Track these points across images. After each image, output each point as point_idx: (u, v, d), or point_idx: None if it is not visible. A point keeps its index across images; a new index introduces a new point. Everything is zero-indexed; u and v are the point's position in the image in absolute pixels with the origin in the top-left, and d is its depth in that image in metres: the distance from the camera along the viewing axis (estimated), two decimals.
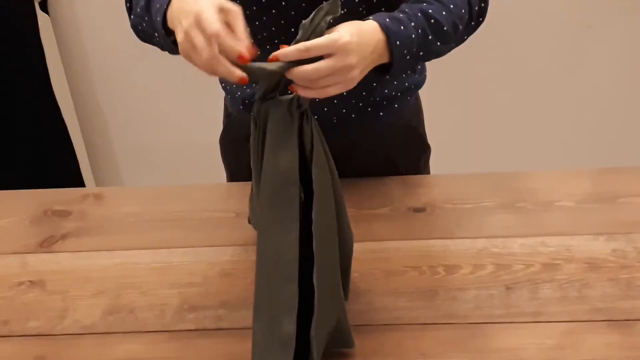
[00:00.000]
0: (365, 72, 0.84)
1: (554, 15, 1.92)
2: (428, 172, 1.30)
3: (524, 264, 1.00)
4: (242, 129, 1.03)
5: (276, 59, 0.76)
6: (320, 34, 0.77)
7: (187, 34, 0.77)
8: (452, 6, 0.94)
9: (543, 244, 1.03)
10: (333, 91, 0.79)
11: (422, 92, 1.23)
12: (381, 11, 0.91)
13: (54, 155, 1.99)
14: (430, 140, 1.27)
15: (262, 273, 0.81)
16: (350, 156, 1.14)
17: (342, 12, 0.79)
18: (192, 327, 0.94)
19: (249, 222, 1.05)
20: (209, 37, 0.75)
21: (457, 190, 1.15)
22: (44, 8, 1.90)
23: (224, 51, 0.76)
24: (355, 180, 1.16)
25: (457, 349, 0.88)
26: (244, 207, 1.06)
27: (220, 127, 1.27)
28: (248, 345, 0.82)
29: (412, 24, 0.89)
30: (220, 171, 1.33)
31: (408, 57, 0.89)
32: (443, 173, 1.23)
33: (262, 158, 0.80)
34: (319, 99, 0.80)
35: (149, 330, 0.94)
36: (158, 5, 0.88)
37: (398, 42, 0.86)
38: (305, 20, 0.77)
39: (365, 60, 0.82)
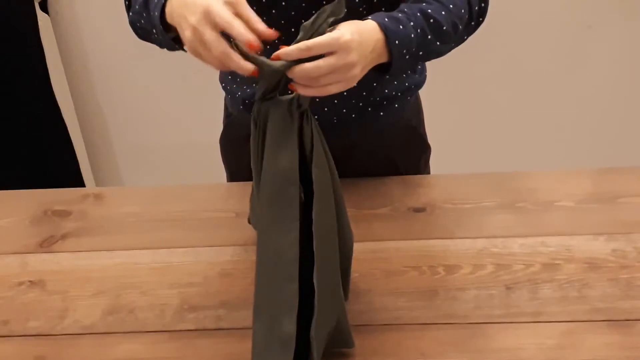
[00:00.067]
0: (366, 71, 0.84)
1: (554, 15, 1.92)
2: (428, 172, 1.30)
3: (524, 264, 1.00)
4: (242, 129, 1.03)
5: (278, 59, 0.76)
6: (322, 34, 0.77)
7: (195, 29, 0.77)
8: (451, 6, 0.94)
9: (543, 244, 1.03)
10: (333, 89, 0.79)
11: (422, 92, 1.23)
12: (381, 11, 0.91)
13: (54, 155, 1.99)
14: (430, 140, 1.27)
15: (262, 273, 0.81)
16: (350, 156, 1.14)
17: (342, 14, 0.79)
18: (192, 327, 0.94)
19: (249, 222, 1.05)
20: (222, 27, 0.75)
21: (457, 190, 1.15)
22: (44, 8, 1.90)
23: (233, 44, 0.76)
24: (355, 180, 1.16)
25: (457, 349, 0.88)
26: (244, 207, 1.06)
27: (220, 127, 1.27)
28: (248, 345, 0.82)
29: (411, 23, 0.89)
30: (220, 171, 1.33)
31: (407, 57, 0.89)
32: (443, 173, 1.23)
33: (262, 158, 0.80)
34: (318, 99, 0.80)
35: (149, 330, 0.94)
36: (156, 1, 0.88)
37: (397, 42, 0.86)
38: (307, 22, 0.77)
39: (366, 59, 0.82)
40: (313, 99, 0.80)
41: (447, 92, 1.91)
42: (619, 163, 1.37)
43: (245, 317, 0.94)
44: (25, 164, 1.92)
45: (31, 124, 1.91)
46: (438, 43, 0.94)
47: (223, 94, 1.22)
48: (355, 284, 0.97)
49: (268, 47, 0.79)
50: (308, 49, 0.75)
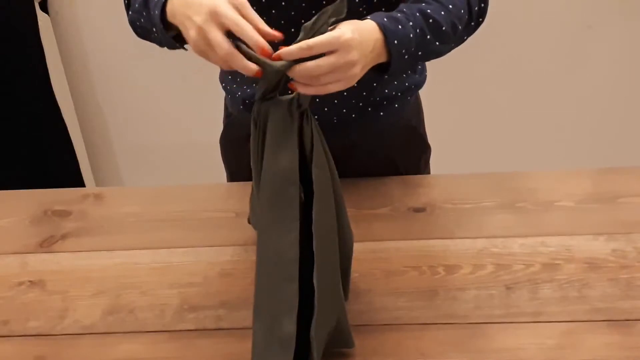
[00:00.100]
0: (366, 70, 0.84)
1: (554, 15, 1.92)
2: (428, 172, 1.30)
3: (524, 264, 1.00)
4: (243, 129, 1.03)
5: (279, 58, 0.76)
6: (323, 34, 0.77)
7: (200, 29, 0.77)
8: (451, 6, 0.94)
9: (543, 244, 1.03)
10: (334, 88, 0.79)
11: (422, 92, 1.23)
12: (381, 11, 0.91)
13: (54, 155, 1.99)
14: (430, 140, 1.27)
15: (262, 273, 0.81)
16: (350, 156, 1.14)
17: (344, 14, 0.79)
18: (192, 327, 0.94)
19: (249, 222, 1.05)
20: (231, 29, 0.75)
21: (457, 190, 1.15)
22: (44, 8, 1.90)
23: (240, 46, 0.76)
24: (355, 180, 1.16)
25: (457, 349, 0.88)
26: (244, 207, 1.06)
27: (220, 127, 1.27)
28: (248, 345, 0.82)
29: (410, 23, 0.89)
30: (220, 171, 1.33)
31: (406, 57, 0.89)
32: (443, 173, 1.23)
33: (262, 158, 0.80)
34: (318, 98, 0.80)
35: (149, 330, 0.94)
36: (156, 0, 0.88)
37: (396, 42, 0.86)
38: (307, 23, 0.77)
39: (366, 58, 0.82)
40: (313, 98, 0.80)
41: (447, 92, 1.91)
42: (619, 163, 1.37)
43: (245, 317, 0.94)
44: (25, 164, 1.92)
45: (31, 124, 1.91)
46: (437, 43, 0.94)
47: (223, 94, 1.22)
48: (355, 284, 0.97)
49: None
50: (309, 48, 0.75)
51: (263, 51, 0.75)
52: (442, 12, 0.93)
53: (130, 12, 0.98)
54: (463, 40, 1.01)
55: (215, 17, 0.76)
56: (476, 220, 1.09)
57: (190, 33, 0.79)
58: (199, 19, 0.77)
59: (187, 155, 2.18)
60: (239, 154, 1.18)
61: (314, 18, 0.77)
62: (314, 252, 0.79)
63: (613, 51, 1.97)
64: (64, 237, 1.12)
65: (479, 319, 0.92)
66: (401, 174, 1.21)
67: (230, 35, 0.77)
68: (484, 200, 1.13)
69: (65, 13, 1.96)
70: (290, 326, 0.78)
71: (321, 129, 0.82)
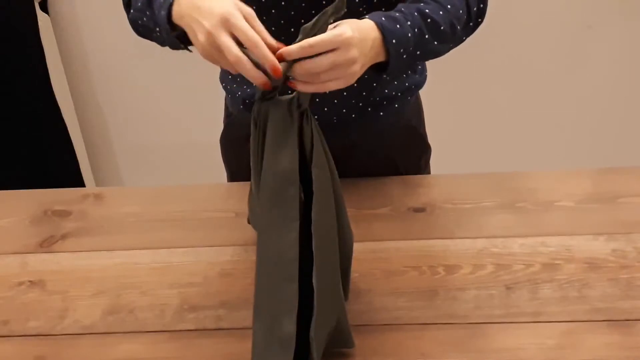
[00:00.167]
0: (365, 68, 0.84)
1: (554, 15, 1.92)
2: (428, 172, 1.30)
3: (524, 264, 1.00)
4: (243, 128, 1.03)
5: (281, 58, 0.76)
6: (323, 33, 0.77)
7: (210, 34, 0.77)
8: (449, 6, 0.94)
9: (543, 244, 1.03)
10: (333, 86, 0.79)
11: (423, 92, 1.23)
12: (381, 11, 0.91)
13: (54, 155, 1.99)
14: (430, 140, 1.27)
15: (262, 273, 0.81)
16: (350, 156, 1.14)
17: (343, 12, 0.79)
18: (192, 327, 0.94)
19: (249, 223, 1.05)
20: (240, 39, 0.75)
21: (457, 190, 1.15)
22: (44, 8, 1.90)
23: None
24: (355, 180, 1.16)
25: (457, 349, 0.88)
26: (244, 207, 1.06)
27: (220, 127, 1.27)
28: (248, 345, 0.82)
29: (409, 22, 0.89)
30: (220, 171, 1.33)
31: (405, 56, 0.89)
32: (443, 173, 1.23)
33: (262, 158, 0.80)
34: (318, 98, 0.80)
35: (149, 330, 0.94)
36: (162, 0, 0.88)
37: (394, 41, 0.86)
38: (307, 25, 0.77)
39: (365, 57, 0.82)
40: (313, 98, 0.80)
41: (447, 92, 1.91)
42: (619, 163, 1.37)
43: (245, 317, 0.94)
44: (25, 164, 1.92)
45: (31, 124, 1.91)
46: (436, 43, 0.94)
47: (223, 93, 1.23)
48: (355, 284, 0.97)
49: None
50: (310, 46, 0.75)
51: (274, 70, 0.75)
52: (441, 12, 0.93)
53: (132, 11, 0.98)
54: (462, 41, 1.01)
55: (225, 23, 0.76)
56: (476, 220, 1.09)
57: (198, 37, 0.79)
58: (208, 23, 0.77)
59: (187, 155, 2.18)
60: (239, 154, 1.18)
61: (313, 20, 0.77)
62: (314, 252, 0.79)
63: (613, 51, 1.97)
64: (64, 237, 1.12)
65: (479, 319, 0.92)
66: (401, 174, 1.21)
67: (236, 42, 0.77)
68: (484, 200, 1.13)
69: (65, 13, 1.96)
70: (290, 326, 0.78)
71: (321, 129, 0.82)
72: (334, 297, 0.84)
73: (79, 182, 2.08)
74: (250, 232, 1.05)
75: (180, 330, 0.93)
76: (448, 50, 0.99)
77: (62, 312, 0.97)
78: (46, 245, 1.10)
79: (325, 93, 0.82)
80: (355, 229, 0.91)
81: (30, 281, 1.03)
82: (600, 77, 2.02)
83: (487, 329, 0.91)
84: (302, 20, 0.94)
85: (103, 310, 0.97)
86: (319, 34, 0.77)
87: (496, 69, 2.00)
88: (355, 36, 0.79)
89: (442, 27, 0.93)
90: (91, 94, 2.11)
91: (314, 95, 0.80)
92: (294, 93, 0.79)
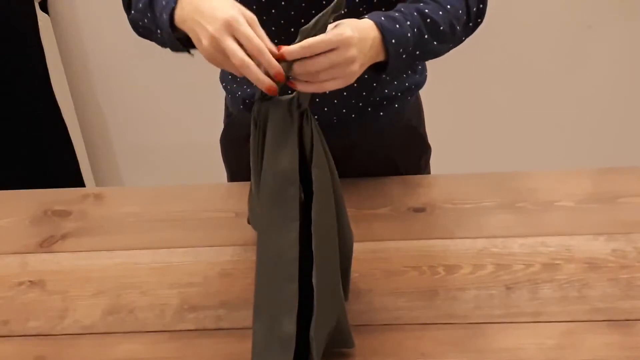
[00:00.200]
0: (364, 68, 0.84)
1: (554, 15, 1.92)
2: (428, 172, 1.30)
3: (524, 264, 1.00)
4: (243, 128, 1.03)
5: (282, 57, 0.76)
6: (323, 32, 0.77)
7: (214, 39, 0.77)
8: (449, 6, 0.94)
9: (543, 244, 1.03)
10: (333, 85, 0.80)
11: (423, 92, 1.23)
12: (381, 11, 0.91)
13: (54, 155, 1.99)
14: (430, 140, 1.27)
15: (262, 273, 0.81)
16: (350, 156, 1.14)
17: (343, 11, 0.79)
18: (192, 327, 0.94)
19: (249, 223, 1.05)
20: (243, 44, 0.76)
21: (457, 190, 1.15)
22: (44, 8, 1.90)
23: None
24: (355, 180, 1.16)
25: (457, 349, 0.88)
26: (244, 207, 1.06)
27: (220, 127, 1.27)
28: (248, 345, 0.82)
29: (408, 22, 0.89)
30: (220, 171, 1.33)
31: (404, 56, 0.89)
32: (443, 173, 1.23)
33: (262, 158, 0.80)
34: (318, 98, 0.80)
35: (149, 330, 0.94)
36: (164, 3, 0.87)
37: (393, 41, 0.87)
38: (306, 26, 0.77)
39: (365, 56, 0.82)
40: (313, 98, 0.80)
41: (447, 92, 1.91)
42: (619, 163, 1.37)
43: (245, 317, 0.94)
44: (25, 164, 1.92)
45: (31, 124, 1.91)
46: (435, 43, 0.94)
47: (223, 93, 1.23)
48: (355, 284, 0.97)
49: None
50: (310, 46, 0.76)
51: (278, 75, 0.75)
52: (440, 12, 0.93)
53: (132, 12, 0.98)
54: (461, 41, 1.01)
55: (229, 28, 0.76)
56: (476, 220, 1.09)
57: (202, 41, 0.79)
58: (211, 27, 0.77)
59: (187, 155, 2.18)
60: (239, 154, 1.18)
61: (313, 20, 0.77)
62: (314, 252, 0.79)
63: (613, 51, 1.97)
64: (64, 237, 1.12)
65: (479, 319, 0.92)
66: (401, 174, 1.21)
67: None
68: (484, 200, 1.13)
69: (65, 13, 1.96)
70: (290, 326, 0.78)
71: (321, 129, 0.82)
72: (334, 297, 0.84)
73: (79, 182, 2.08)
74: (250, 232, 1.05)
75: (180, 330, 0.93)
76: (448, 51, 0.99)
77: (62, 312, 0.97)
78: (46, 245, 1.10)
79: (325, 93, 0.82)
80: (355, 229, 0.91)
81: (30, 281, 1.03)
82: (600, 77, 2.02)
83: (487, 329, 0.91)
84: (302, 20, 0.95)
85: (103, 310, 0.97)
86: (319, 34, 0.77)
87: (496, 69, 2.00)
88: (355, 35, 0.79)
89: (441, 27, 0.93)
90: (91, 94, 2.11)
91: (314, 95, 0.80)
92: (294, 93, 0.79)
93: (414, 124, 1.21)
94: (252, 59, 0.76)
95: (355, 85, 1.06)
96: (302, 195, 0.80)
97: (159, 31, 0.91)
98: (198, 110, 1.98)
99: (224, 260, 1.04)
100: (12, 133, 1.87)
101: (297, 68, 0.77)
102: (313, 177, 0.79)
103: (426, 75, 1.20)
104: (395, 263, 1.02)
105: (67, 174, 2.04)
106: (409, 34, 0.89)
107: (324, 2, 0.98)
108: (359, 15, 0.87)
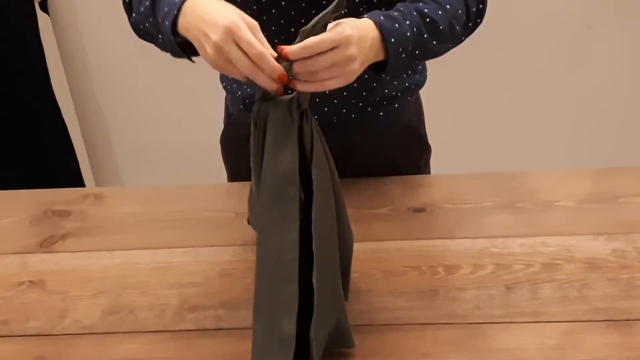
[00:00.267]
0: (364, 67, 0.84)
1: (554, 15, 1.92)
2: (428, 172, 1.30)
3: (524, 264, 1.00)
4: (243, 128, 1.03)
5: (286, 57, 0.76)
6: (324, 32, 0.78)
7: (219, 47, 0.77)
8: (448, 6, 0.95)
9: (543, 244, 1.03)
10: (333, 84, 0.80)
11: (423, 92, 1.23)
12: (380, 10, 0.91)
13: (54, 155, 1.99)
14: (430, 140, 1.27)
15: (262, 273, 0.81)
16: (350, 156, 1.14)
17: (343, 11, 0.79)
18: (192, 327, 0.94)
19: (249, 223, 1.05)
20: (245, 49, 0.76)
21: (457, 190, 1.15)
22: (44, 8, 1.90)
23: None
24: (355, 180, 1.16)
25: (457, 349, 0.88)
26: (244, 207, 1.06)
27: (220, 127, 1.27)
28: (248, 345, 0.82)
29: (407, 22, 0.89)
30: (220, 171, 1.33)
31: (404, 55, 0.89)
32: (443, 173, 1.23)
33: (262, 158, 0.80)
34: (318, 98, 0.80)
35: (149, 330, 0.94)
36: (166, 9, 0.87)
37: (393, 40, 0.87)
38: (306, 27, 0.77)
39: (365, 55, 0.83)
40: (313, 98, 0.80)
41: (447, 92, 1.91)
42: (619, 163, 1.37)
43: (245, 317, 0.94)
44: (25, 164, 1.92)
45: (31, 124, 1.91)
46: (434, 42, 0.94)
47: (223, 93, 1.23)
48: (355, 284, 0.97)
49: None
50: (311, 47, 0.76)
51: (281, 77, 0.76)
52: (440, 12, 0.93)
53: (134, 15, 0.98)
54: (461, 41, 1.01)
55: (231, 34, 0.76)
56: (476, 220, 1.09)
57: (207, 49, 0.80)
58: (214, 36, 0.77)
59: (187, 155, 2.18)
60: (239, 154, 1.18)
61: (313, 20, 0.77)
62: (314, 252, 0.79)
63: (613, 51, 1.97)
64: (64, 237, 1.12)
65: (479, 319, 0.92)
66: (401, 174, 1.21)
67: None
68: (484, 200, 1.13)
69: (65, 13, 1.96)
70: (290, 326, 0.78)
71: (321, 129, 0.82)
72: (334, 297, 0.84)
73: (79, 182, 2.08)
74: (250, 232, 1.05)
75: (180, 330, 0.93)
76: (447, 50, 0.99)
77: (62, 312, 0.97)
78: (46, 245, 1.10)
79: (325, 93, 0.82)
80: (355, 229, 0.91)
81: (30, 281, 1.03)
82: (600, 77, 2.02)
83: (487, 329, 0.91)
84: (303, 20, 0.95)
85: (103, 310, 0.97)
86: (319, 33, 0.77)
87: (496, 69, 2.00)
88: (355, 34, 0.79)
89: (441, 27, 0.93)
90: (91, 94, 2.11)
91: (314, 95, 0.80)
92: (294, 93, 0.79)
93: (414, 124, 1.21)
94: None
95: (355, 85, 1.06)
96: (302, 195, 0.80)
97: (160, 36, 0.90)
98: (198, 110, 1.98)
99: (224, 260, 1.04)
100: (12, 133, 1.87)
101: (298, 68, 0.77)
102: (313, 177, 0.79)
103: (426, 75, 1.20)
104: (395, 263, 1.02)
105: (67, 174, 2.04)
106: (408, 34, 0.89)
107: (324, 2, 0.98)
108: (358, 15, 0.87)
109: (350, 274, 0.93)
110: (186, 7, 0.84)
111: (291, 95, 0.79)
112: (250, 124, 0.81)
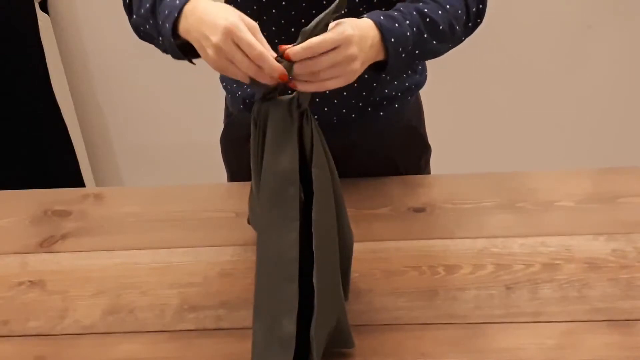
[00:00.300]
0: (365, 66, 0.84)
1: (554, 15, 1.92)
2: (428, 172, 1.30)
3: (524, 264, 1.00)
4: (243, 128, 1.03)
5: (288, 58, 0.76)
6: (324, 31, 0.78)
7: (220, 49, 0.77)
8: (448, 6, 0.95)
9: (543, 244, 1.03)
10: (334, 84, 0.80)
11: (423, 92, 1.23)
12: (380, 10, 0.91)
13: (54, 155, 1.99)
14: (430, 140, 1.27)
15: (262, 273, 0.81)
16: (350, 156, 1.14)
17: (344, 11, 0.79)
18: (192, 327, 0.94)
19: (249, 223, 1.05)
20: (245, 50, 0.76)
21: (457, 190, 1.15)
22: (44, 8, 1.90)
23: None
24: (355, 180, 1.16)
25: (457, 349, 0.88)
26: (244, 207, 1.06)
27: (220, 127, 1.27)
28: (248, 345, 0.82)
29: (407, 22, 0.89)
30: (220, 171, 1.33)
31: (404, 55, 0.89)
32: (443, 173, 1.23)
33: (262, 158, 0.80)
34: (318, 98, 0.80)
35: (149, 330, 0.94)
36: (167, 12, 0.87)
37: (393, 40, 0.87)
38: (307, 27, 0.77)
39: (366, 54, 0.83)
40: (313, 98, 0.80)
41: (447, 92, 1.91)
42: (619, 163, 1.37)
43: (245, 317, 0.94)
44: (25, 164, 1.92)
45: (31, 124, 1.91)
46: (434, 42, 0.94)
47: (223, 93, 1.23)
48: (355, 284, 0.97)
49: None
50: (313, 47, 0.76)
51: (282, 76, 0.76)
52: (440, 12, 0.93)
53: (134, 16, 0.97)
54: (461, 41, 1.01)
55: (231, 36, 0.77)
56: (476, 220, 1.09)
57: (208, 51, 0.80)
58: (215, 37, 0.78)
59: (187, 155, 2.18)
60: (239, 154, 1.18)
61: (314, 21, 0.77)
62: (314, 252, 0.79)
63: (613, 51, 1.97)
64: (64, 237, 1.12)
65: (479, 319, 0.92)
66: (401, 174, 1.21)
67: None
68: (484, 200, 1.13)
69: (65, 13, 1.96)
70: (290, 326, 0.78)
71: (321, 129, 0.82)
72: (334, 297, 0.84)
73: (79, 182, 2.08)
74: (250, 232, 1.05)
75: (180, 330, 0.93)
76: (447, 50, 0.99)
77: (62, 312, 0.97)
78: (46, 245, 1.10)
79: (325, 93, 0.82)
80: (355, 229, 0.91)
81: (30, 281, 1.03)
82: (600, 77, 2.02)
83: (487, 329, 0.91)
84: (303, 21, 0.95)
85: (103, 310, 0.97)
86: (320, 34, 0.77)
87: (496, 69, 2.00)
88: (355, 34, 0.79)
89: (440, 27, 0.93)
90: (91, 94, 2.11)
91: (314, 95, 0.80)
92: (294, 93, 0.79)
93: (414, 124, 1.21)
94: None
95: (355, 85, 1.06)
96: (302, 195, 0.80)
97: (160, 38, 0.90)
98: (198, 110, 1.98)
99: (224, 260, 1.04)
100: (12, 133, 1.87)
101: (299, 68, 0.77)
102: (313, 177, 0.79)
103: (426, 75, 1.20)
104: (395, 263, 1.02)
105: (67, 174, 2.04)
106: (408, 33, 0.89)
107: (324, 2, 0.98)
108: (358, 15, 0.87)
109: (350, 274, 0.93)
110: (187, 9, 0.84)
111: (291, 95, 0.79)
112: (250, 124, 0.81)
